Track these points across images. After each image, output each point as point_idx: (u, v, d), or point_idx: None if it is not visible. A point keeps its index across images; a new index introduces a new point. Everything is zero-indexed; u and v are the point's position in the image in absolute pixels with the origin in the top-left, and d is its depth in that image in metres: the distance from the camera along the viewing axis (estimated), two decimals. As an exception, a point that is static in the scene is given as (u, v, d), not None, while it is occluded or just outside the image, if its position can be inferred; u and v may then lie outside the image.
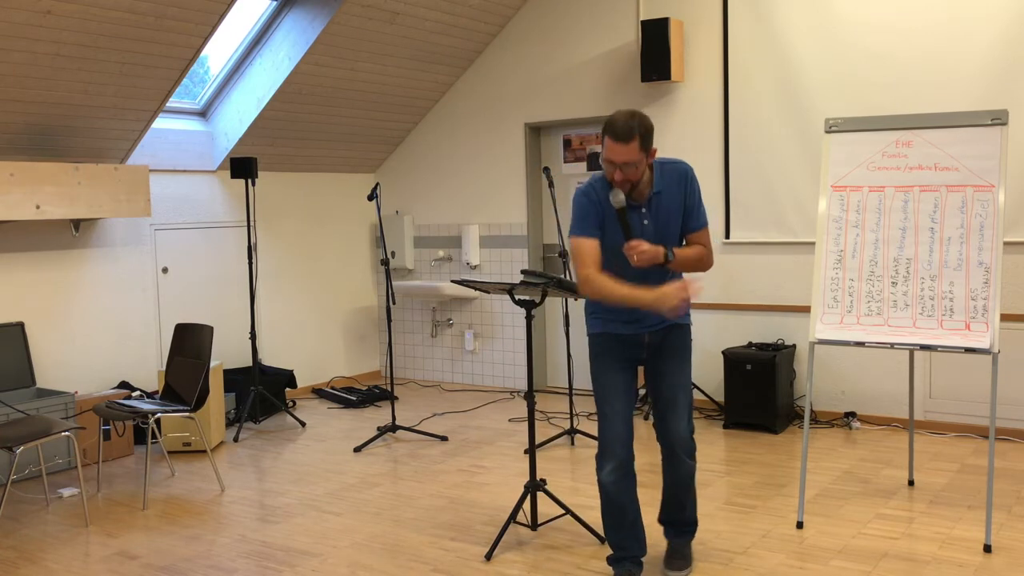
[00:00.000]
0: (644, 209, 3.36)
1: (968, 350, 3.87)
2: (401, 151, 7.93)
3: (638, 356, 3.50)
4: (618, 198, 3.25)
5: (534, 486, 4.06)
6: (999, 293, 3.87)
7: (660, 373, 3.50)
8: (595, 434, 5.74)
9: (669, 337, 3.50)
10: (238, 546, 4.13)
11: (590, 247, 3.31)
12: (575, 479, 4.94)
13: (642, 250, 3.22)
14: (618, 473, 3.39)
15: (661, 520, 3.74)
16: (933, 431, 5.67)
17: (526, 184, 7.25)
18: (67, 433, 4.49)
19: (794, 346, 6.08)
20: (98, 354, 6.09)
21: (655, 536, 3.89)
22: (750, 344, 6.17)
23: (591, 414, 6.43)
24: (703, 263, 3.46)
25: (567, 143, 7.19)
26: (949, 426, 5.66)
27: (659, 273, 3.41)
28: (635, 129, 3.17)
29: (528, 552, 3.92)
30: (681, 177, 3.39)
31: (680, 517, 3.68)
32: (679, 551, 3.70)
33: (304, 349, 7.52)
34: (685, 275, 3.55)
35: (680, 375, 3.50)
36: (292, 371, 6.96)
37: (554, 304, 7.28)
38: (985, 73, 5.41)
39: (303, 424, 6.43)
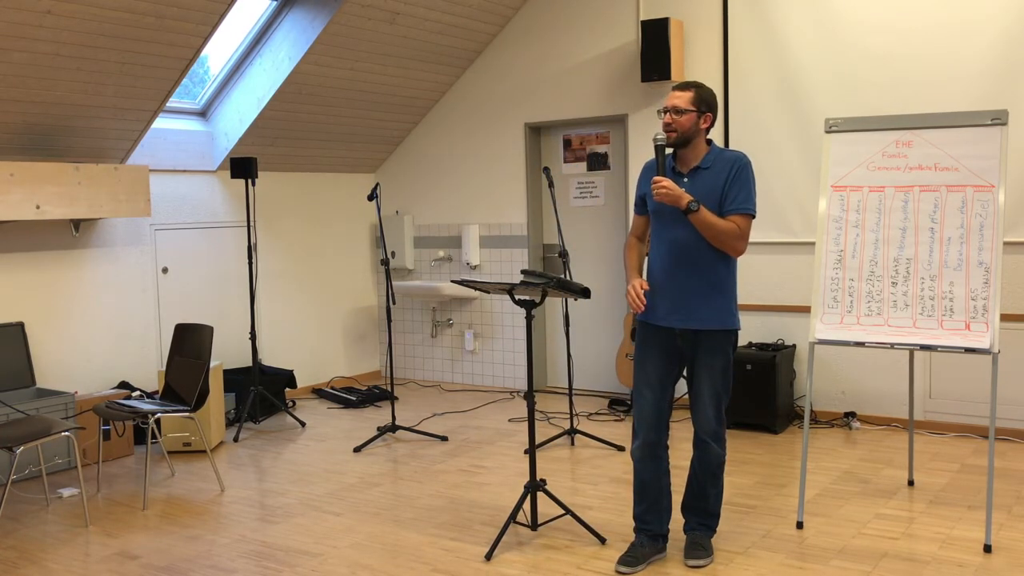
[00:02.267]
0: (686, 179, 3.59)
1: (968, 350, 3.87)
2: (401, 151, 7.93)
3: (676, 348, 3.65)
4: (657, 136, 3.54)
5: (534, 486, 4.06)
6: (999, 293, 3.87)
7: (692, 367, 3.67)
8: (595, 434, 5.75)
9: (701, 337, 3.60)
10: (238, 546, 4.13)
11: (636, 220, 3.81)
12: (575, 479, 4.95)
13: (664, 185, 3.45)
14: (643, 451, 3.67)
15: (683, 507, 3.83)
16: (933, 431, 5.67)
17: (526, 184, 7.25)
18: (67, 433, 4.49)
19: (794, 346, 6.08)
20: (98, 354, 6.09)
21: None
22: (750, 344, 6.17)
23: (591, 414, 6.43)
24: (730, 238, 3.51)
25: (567, 143, 7.19)
26: (949, 426, 5.66)
27: (694, 241, 3.54)
28: (693, 86, 3.58)
29: (528, 552, 3.92)
30: (732, 162, 3.55)
31: (701, 506, 3.78)
32: (698, 542, 3.77)
33: (304, 349, 7.52)
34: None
35: (707, 369, 3.61)
36: (292, 371, 6.96)
37: (554, 304, 7.28)
38: (985, 73, 5.41)
39: (303, 424, 6.43)
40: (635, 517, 3.78)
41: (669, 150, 3.59)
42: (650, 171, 3.69)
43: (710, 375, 3.61)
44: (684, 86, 3.59)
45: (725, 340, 3.62)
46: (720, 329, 3.60)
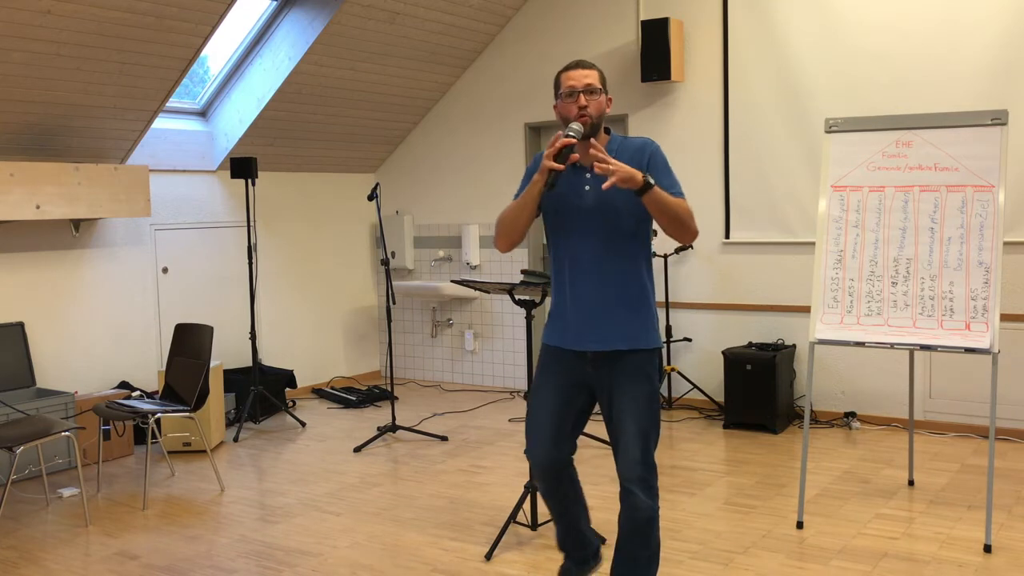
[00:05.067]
0: (588, 175, 2.97)
1: (968, 350, 3.87)
2: (401, 151, 7.93)
3: (584, 377, 3.04)
4: (572, 128, 2.89)
5: (534, 486, 4.06)
6: (999, 293, 3.87)
7: (610, 400, 3.00)
8: (595, 434, 5.74)
9: (622, 362, 2.98)
10: (238, 546, 4.13)
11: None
12: (575, 479, 4.94)
13: (613, 165, 2.76)
14: (544, 483, 3.14)
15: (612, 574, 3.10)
16: (933, 431, 5.67)
17: (526, 184, 7.24)
18: (67, 433, 4.49)
19: (794, 346, 6.08)
20: (98, 354, 6.09)
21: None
22: (750, 344, 6.17)
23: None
24: (687, 217, 2.90)
25: (567, 143, 7.18)
26: (949, 426, 5.66)
27: (605, 248, 2.97)
28: (591, 63, 3.03)
29: (528, 552, 3.92)
30: (640, 150, 2.99)
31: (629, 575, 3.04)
32: None
33: (304, 349, 7.52)
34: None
35: (630, 400, 2.96)
36: (292, 371, 6.96)
37: (554, 304, 7.28)
38: (985, 73, 5.41)
39: (303, 424, 6.43)
40: (558, 541, 3.32)
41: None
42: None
43: (634, 407, 2.94)
44: (585, 63, 3.01)
45: (649, 362, 2.99)
46: (642, 349, 2.98)
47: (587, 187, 2.97)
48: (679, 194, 2.93)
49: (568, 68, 3.01)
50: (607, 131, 3.07)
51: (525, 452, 3.11)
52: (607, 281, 2.98)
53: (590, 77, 2.96)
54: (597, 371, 3.00)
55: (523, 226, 3.01)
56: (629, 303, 2.99)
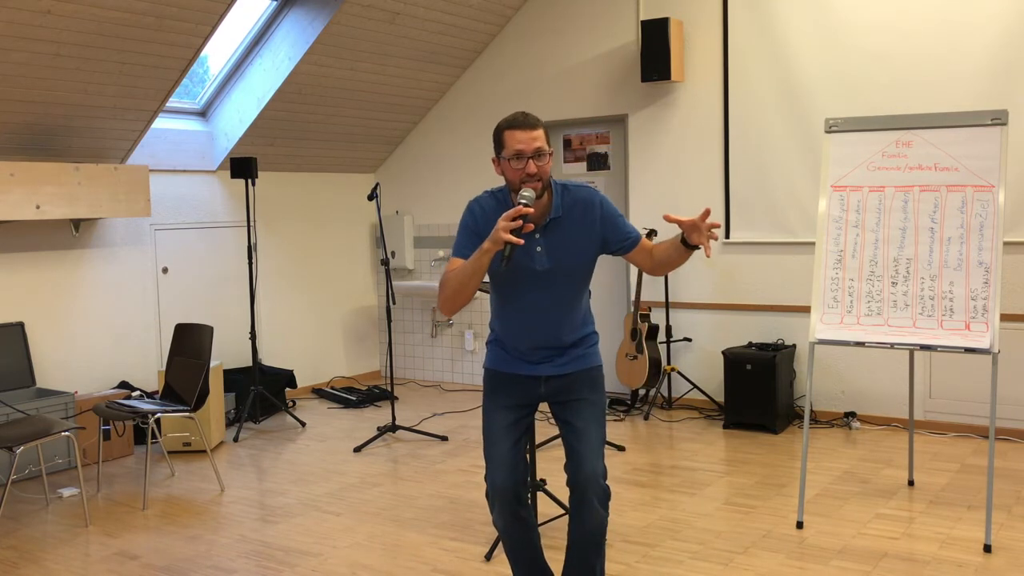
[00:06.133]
0: (538, 235, 2.92)
1: (968, 350, 3.87)
2: (401, 151, 7.93)
3: (536, 395, 3.07)
4: (527, 195, 2.80)
5: (534, 486, 4.06)
6: (999, 293, 3.87)
7: (569, 404, 3.04)
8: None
9: (579, 376, 3.04)
10: (238, 546, 4.13)
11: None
12: (575, 479, 4.94)
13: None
14: (505, 519, 3.05)
15: None
16: (933, 431, 5.67)
17: (526, 184, 7.24)
18: (67, 433, 4.49)
19: (794, 346, 6.08)
20: (98, 354, 6.09)
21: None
22: (750, 344, 6.17)
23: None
24: None
25: (567, 143, 7.19)
26: (949, 426, 5.66)
27: (557, 293, 2.97)
28: (540, 121, 2.90)
29: (528, 552, 3.92)
30: (588, 203, 2.97)
31: None
32: None
33: (304, 349, 7.52)
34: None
35: (589, 406, 3.02)
36: (292, 371, 6.96)
37: (554, 304, 7.28)
38: (985, 73, 5.41)
39: (303, 424, 6.43)
40: None
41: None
42: (483, 214, 2.95)
43: (594, 412, 3.00)
44: (531, 121, 2.87)
45: (600, 375, 3.08)
46: (593, 366, 3.08)
47: (538, 248, 2.94)
48: (640, 235, 3.02)
49: (513, 126, 2.87)
50: (549, 188, 2.96)
51: (485, 478, 3.06)
52: (557, 325, 3.00)
53: (539, 140, 2.85)
54: (550, 387, 3.05)
55: (470, 295, 2.88)
56: (578, 340, 3.05)
